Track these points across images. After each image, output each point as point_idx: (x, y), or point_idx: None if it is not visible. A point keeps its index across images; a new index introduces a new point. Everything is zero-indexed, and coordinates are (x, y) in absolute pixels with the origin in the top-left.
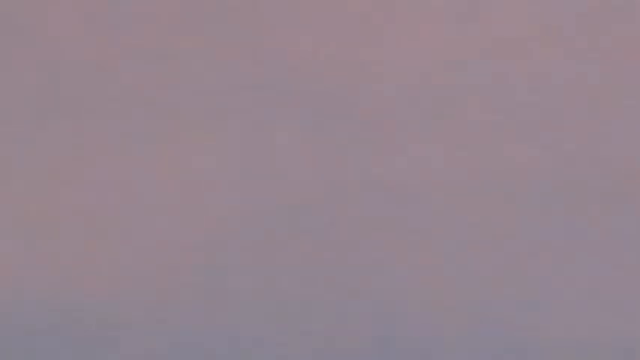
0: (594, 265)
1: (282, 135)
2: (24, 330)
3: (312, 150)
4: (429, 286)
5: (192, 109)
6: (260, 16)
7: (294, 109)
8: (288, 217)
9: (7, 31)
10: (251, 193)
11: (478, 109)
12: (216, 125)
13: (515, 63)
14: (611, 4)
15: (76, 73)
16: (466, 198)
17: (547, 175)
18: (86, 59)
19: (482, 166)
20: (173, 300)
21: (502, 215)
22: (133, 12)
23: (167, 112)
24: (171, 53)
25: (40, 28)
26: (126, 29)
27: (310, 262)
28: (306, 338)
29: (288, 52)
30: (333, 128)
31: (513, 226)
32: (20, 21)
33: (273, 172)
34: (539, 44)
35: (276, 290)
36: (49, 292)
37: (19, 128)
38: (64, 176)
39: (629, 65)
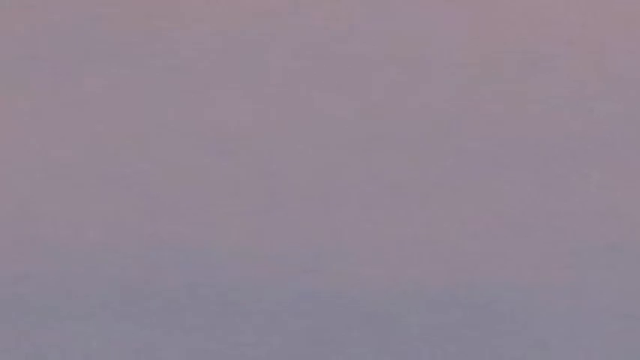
0: (404, 215)
1: (94, 86)
2: None
3: (125, 100)
4: (241, 235)
5: (5, 61)
6: None
7: (107, 61)
8: (98, 166)
9: None
10: (62, 145)
11: (288, 59)
12: (26, 76)
13: (324, 12)
14: None
15: None
16: (276, 148)
17: (356, 125)
18: None
19: (293, 116)
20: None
21: (312, 165)
22: None
23: None
24: None
25: None
26: None
27: (119, 211)
28: (114, 285)
29: (98, 2)
30: (147, 79)
31: (323, 176)
32: None
33: (85, 123)
34: None
35: (83, 239)
36: None
37: None
38: None
39: (451, 12)
